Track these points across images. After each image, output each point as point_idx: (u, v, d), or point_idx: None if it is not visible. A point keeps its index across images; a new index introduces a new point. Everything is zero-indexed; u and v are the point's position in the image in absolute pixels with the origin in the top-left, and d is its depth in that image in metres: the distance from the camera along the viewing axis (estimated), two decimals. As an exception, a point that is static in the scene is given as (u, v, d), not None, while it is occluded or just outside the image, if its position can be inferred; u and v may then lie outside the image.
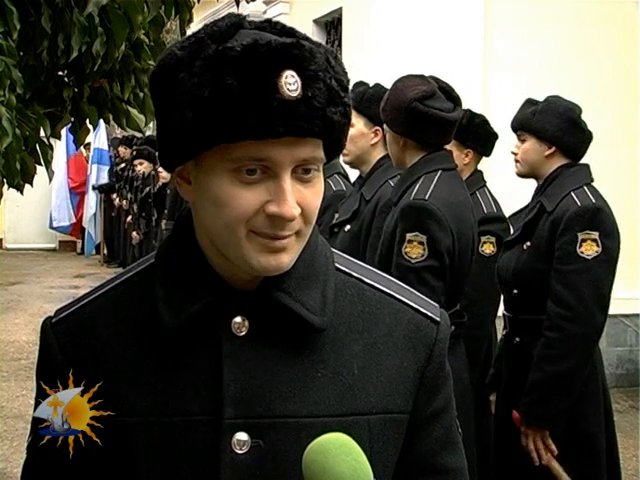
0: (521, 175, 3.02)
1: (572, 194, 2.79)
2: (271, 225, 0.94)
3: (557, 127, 2.87)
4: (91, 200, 13.03)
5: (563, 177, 2.87)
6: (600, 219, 2.73)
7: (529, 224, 2.88)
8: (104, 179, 12.89)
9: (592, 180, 2.90)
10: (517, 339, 2.89)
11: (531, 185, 3.08)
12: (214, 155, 0.94)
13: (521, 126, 2.96)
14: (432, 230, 2.52)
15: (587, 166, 2.93)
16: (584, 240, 2.68)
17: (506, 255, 2.99)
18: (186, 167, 0.99)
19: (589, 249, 2.67)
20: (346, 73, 0.98)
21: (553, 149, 2.89)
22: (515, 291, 2.88)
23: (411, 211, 2.56)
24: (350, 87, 0.99)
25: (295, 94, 0.90)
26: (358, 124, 3.19)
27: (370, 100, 3.18)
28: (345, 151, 3.22)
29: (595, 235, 2.69)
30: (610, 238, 2.72)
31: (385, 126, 2.80)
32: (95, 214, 13.09)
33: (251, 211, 0.94)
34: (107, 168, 12.92)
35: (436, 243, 2.51)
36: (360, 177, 3.34)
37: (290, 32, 0.97)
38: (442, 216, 2.54)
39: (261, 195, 0.94)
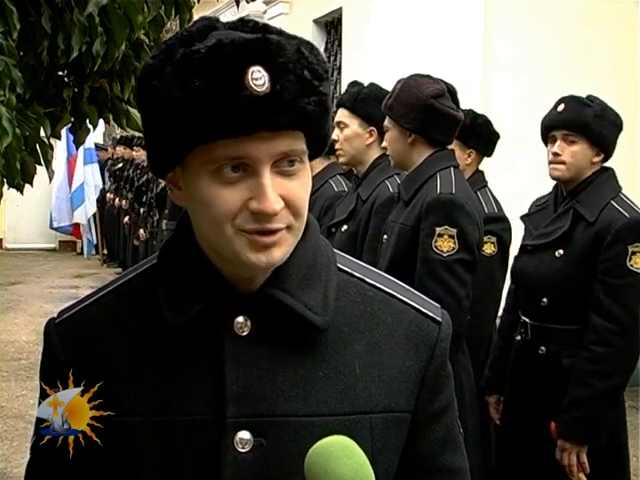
0: (562, 180, 2.79)
1: (613, 203, 2.69)
2: (256, 221, 0.95)
3: (613, 135, 2.75)
4: (90, 202, 12.98)
5: (597, 183, 2.75)
6: None
7: (568, 232, 2.72)
8: (98, 178, 12.87)
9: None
10: (542, 348, 2.76)
11: (532, 185, 3.04)
12: (195, 158, 0.96)
13: (579, 128, 2.71)
14: (462, 223, 2.53)
15: (614, 170, 2.82)
16: (634, 253, 2.61)
17: (528, 259, 2.84)
18: (175, 173, 1.01)
19: (638, 262, 2.61)
20: (323, 62, 0.97)
21: (602, 156, 2.76)
22: (545, 299, 2.75)
23: (440, 205, 2.56)
24: (334, 79, 0.98)
25: (263, 89, 0.91)
26: (353, 124, 3.17)
27: (365, 100, 3.16)
28: (340, 152, 3.22)
29: None
30: None
31: (388, 123, 2.77)
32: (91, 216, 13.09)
33: (234, 209, 0.95)
34: (97, 167, 12.90)
35: (466, 236, 2.53)
36: (356, 177, 3.33)
37: (261, 28, 0.96)
38: (470, 210, 2.56)
39: (242, 193, 0.95)
